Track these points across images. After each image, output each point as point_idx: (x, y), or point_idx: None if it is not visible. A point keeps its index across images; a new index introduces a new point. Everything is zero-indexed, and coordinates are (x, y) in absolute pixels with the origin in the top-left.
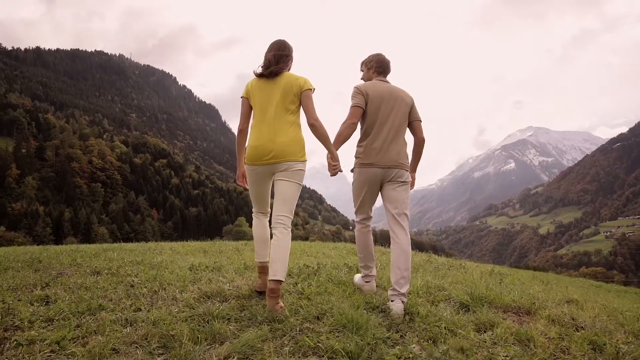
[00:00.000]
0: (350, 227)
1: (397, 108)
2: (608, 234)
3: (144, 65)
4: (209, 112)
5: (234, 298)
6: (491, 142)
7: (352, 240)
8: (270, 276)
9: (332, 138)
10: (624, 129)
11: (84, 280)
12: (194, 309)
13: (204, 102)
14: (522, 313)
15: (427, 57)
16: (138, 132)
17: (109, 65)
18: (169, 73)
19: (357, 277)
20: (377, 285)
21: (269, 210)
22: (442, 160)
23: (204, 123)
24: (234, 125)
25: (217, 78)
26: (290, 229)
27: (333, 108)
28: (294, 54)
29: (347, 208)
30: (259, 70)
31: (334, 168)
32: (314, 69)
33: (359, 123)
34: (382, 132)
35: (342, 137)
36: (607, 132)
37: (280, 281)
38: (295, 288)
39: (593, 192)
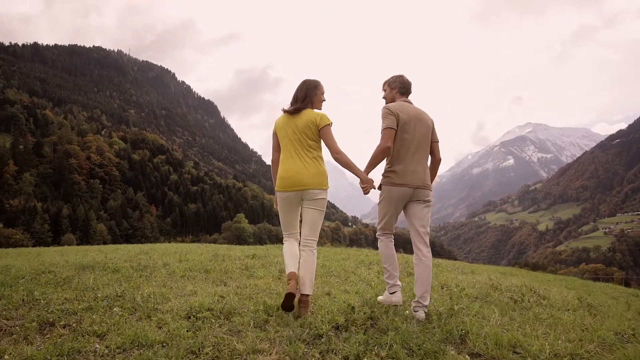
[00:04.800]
0: (350, 224)
1: (423, 130)
2: (607, 230)
3: (142, 61)
4: (208, 108)
5: None
6: (490, 138)
7: (355, 241)
8: (301, 291)
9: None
10: (623, 126)
11: (16, 349)
12: None
13: (203, 98)
14: None
15: (425, 52)
16: (136, 128)
17: (107, 61)
18: (167, 69)
19: (381, 298)
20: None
21: (298, 231)
22: (440, 156)
23: (203, 119)
24: (232, 122)
25: (216, 74)
26: (315, 250)
27: (333, 105)
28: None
29: (345, 204)
30: (286, 107)
31: (366, 189)
32: (314, 64)
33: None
34: (412, 154)
35: (377, 161)
36: (606, 129)
37: (309, 295)
38: None
39: (592, 188)
